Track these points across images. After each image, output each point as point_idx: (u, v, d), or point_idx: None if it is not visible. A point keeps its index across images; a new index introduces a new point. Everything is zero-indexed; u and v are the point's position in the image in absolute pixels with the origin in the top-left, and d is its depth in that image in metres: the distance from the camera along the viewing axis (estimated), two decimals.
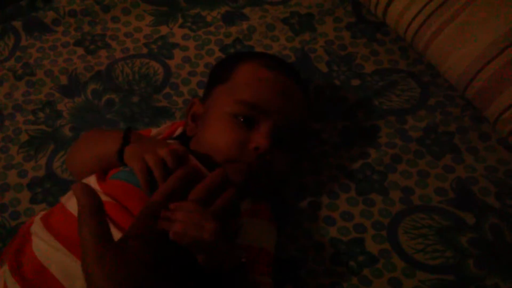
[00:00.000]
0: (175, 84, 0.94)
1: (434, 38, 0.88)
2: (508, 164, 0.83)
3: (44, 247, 0.64)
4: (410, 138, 0.86)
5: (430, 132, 0.87)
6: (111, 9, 1.05)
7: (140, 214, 0.54)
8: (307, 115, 0.81)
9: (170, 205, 0.55)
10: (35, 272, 0.63)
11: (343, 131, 0.88)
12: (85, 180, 0.71)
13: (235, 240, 0.60)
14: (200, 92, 0.92)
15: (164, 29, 1.02)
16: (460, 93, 0.89)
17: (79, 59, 0.98)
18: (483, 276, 0.73)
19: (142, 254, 0.51)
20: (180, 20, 1.03)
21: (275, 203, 0.78)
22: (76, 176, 0.78)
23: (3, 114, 0.91)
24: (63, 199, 0.70)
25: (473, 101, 0.87)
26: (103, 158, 0.71)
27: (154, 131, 0.81)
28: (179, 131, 0.80)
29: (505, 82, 0.81)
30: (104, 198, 0.65)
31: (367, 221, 0.78)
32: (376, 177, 0.82)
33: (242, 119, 0.73)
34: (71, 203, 0.68)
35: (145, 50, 0.99)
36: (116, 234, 0.54)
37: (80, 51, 0.99)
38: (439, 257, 0.74)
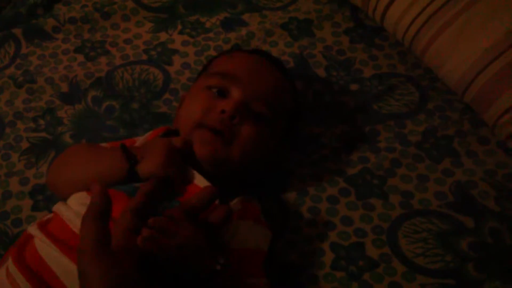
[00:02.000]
0: (175, 90, 0.95)
1: (432, 42, 0.88)
2: (507, 167, 0.83)
3: (44, 247, 0.65)
4: (409, 142, 0.86)
5: (429, 136, 0.87)
6: (111, 16, 1.05)
7: (117, 228, 0.55)
8: (286, 95, 0.81)
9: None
10: (37, 264, 0.64)
11: (343, 135, 0.88)
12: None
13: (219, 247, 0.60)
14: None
15: (163, 36, 1.03)
16: (459, 97, 0.89)
17: (79, 66, 0.98)
18: (483, 280, 0.73)
19: (130, 262, 0.52)
20: (179, 27, 1.04)
21: (274, 208, 0.79)
22: (60, 193, 0.75)
23: (4, 121, 0.91)
24: (54, 208, 0.69)
25: (471, 104, 0.87)
26: (105, 176, 0.69)
27: (140, 139, 0.80)
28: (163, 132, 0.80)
29: (503, 85, 0.82)
30: None
31: (367, 225, 0.78)
32: (376, 181, 0.82)
33: (215, 91, 0.75)
34: (64, 210, 0.68)
35: (144, 57, 0.99)
36: None
37: (80, 58, 1.00)
38: (439, 261, 0.75)
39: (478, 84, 0.83)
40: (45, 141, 0.89)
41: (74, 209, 0.68)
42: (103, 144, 0.80)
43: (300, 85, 0.93)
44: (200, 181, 0.69)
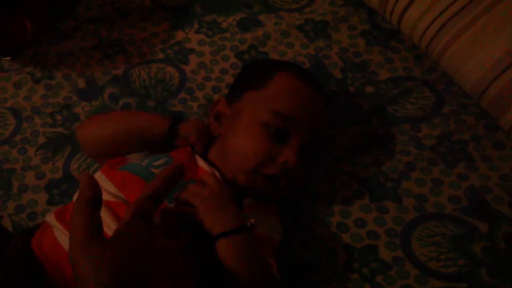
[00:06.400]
0: (191, 89, 0.95)
1: (449, 46, 0.88)
2: None
3: (61, 234, 0.66)
4: (424, 145, 0.86)
5: (444, 140, 0.87)
6: (128, 15, 1.06)
7: (127, 212, 0.56)
8: (328, 131, 0.84)
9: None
10: (54, 250, 0.65)
11: (357, 137, 0.88)
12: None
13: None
14: (215, 97, 0.93)
15: (180, 35, 1.03)
16: (475, 101, 0.89)
17: (96, 64, 0.99)
18: (496, 285, 0.73)
19: (128, 249, 0.52)
20: (196, 26, 1.04)
21: (288, 208, 0.79)
22: (95, 150, 0.80)
23: (22, 116, 0.92)
24: (75, 197, 0.71)
25: (487, 109, 0.87)
26: (145, 131, 0.76)
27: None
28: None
29: None
30: (112, 198, 0.68)
31: (380, 228, 0.78)
32: (390, 184, 0.82)
33: (273, 130, 0.73)
34: None
35: (161, 55, 1.00)
36: None
37: (97, 55, 1.01)
38: (452, 265, 0.74)
39: (495, 88, 0.83)
40: (62, 136, 0.90)
41: None
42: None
43: None
44: (203, 164, 0.74)
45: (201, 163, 0.74)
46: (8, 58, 1.01)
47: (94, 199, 0.53)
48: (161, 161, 0.72)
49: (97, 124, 0.80)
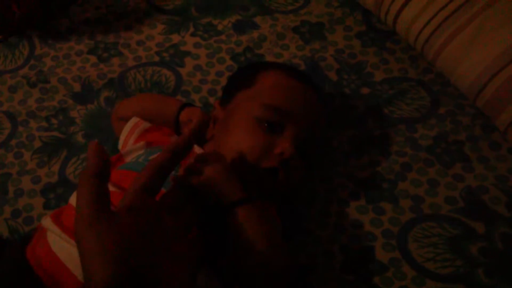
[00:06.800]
0: (187, 92, 0.95)
1: (445, 47, 0.88)
2: None
3: (56, 239, 0.65)
4: (420, 146, 0.86)
5: (440, 141, 0.87)
6: (124, 17, 1.06)
7: (132, 186, 0.53)
8: (324, 128, 0.83)
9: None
10: (48, 259, 0.64)
11: (353, 139, 0.88)
12: None
13: None
14: (211, 100, 0.93)
15: (175, 38, 1.03)
16: (471, 102, 0.89)
17: (92, 67, 0.99)
18: (493, 285, 0.72)
19: (135, 225, 0.49)
20: (192, 29, 1.04)
21: (285, 210, 0.79)
22: (119, 119, 0.85)
23: (17, 120, 0.92)
24: (71, 199, 0.71)
25: (483, 109, 0.87)
26: (162, 113, 0.82)
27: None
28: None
29: None
30: (110, 188, 0.66)
31: (376, 229, 0.78)
32: (386, 185, 0.82)
33: (266, 124, 0.73)
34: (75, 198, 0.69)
35: (157, 58, 1.00)
36: None
37: (93, 59, 1.01)
38: (449, 266, 0.74)
39: (491, 89, 0.83)
40: (58, 140, 0.90)
41: None
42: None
43: None
44: (198, 149, 0.74)
45: (197, 149, 0.74)
46: None
47: (101, 169, 0.49)
48: (156, 155, 0.72)
49: (128, 106, 0.86)
